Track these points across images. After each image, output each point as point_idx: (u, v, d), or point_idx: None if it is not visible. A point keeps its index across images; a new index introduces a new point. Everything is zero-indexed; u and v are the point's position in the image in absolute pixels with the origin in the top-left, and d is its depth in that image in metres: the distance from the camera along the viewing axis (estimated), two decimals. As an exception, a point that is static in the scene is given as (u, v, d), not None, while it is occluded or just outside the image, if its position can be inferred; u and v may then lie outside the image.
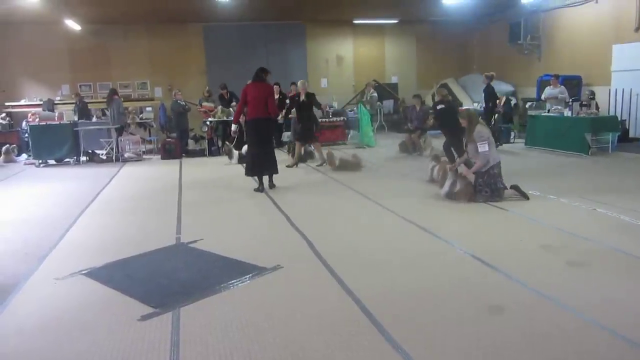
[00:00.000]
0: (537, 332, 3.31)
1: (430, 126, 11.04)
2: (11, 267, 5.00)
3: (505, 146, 12.70)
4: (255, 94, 8.00)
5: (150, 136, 15.12)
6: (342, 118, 15.03)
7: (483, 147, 6.70)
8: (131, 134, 14.04)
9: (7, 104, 14.90)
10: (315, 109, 11.18)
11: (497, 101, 12.68)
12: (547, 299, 3.78)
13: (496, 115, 12.91)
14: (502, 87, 14.95)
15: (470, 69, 18.62)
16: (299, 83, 11.00)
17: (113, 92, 13.11)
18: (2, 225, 6.66)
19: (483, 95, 12.42)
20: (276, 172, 8.39)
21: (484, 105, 12.49)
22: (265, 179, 8.35)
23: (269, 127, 8.32)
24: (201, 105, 14.32)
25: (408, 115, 12.90)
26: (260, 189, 8.21)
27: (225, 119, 13.21)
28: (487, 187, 6.85)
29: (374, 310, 3.67)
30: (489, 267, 4.49)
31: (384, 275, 4.42)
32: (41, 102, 14.51)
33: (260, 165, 8.20)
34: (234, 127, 8.97)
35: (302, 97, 10.60)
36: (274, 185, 8.40)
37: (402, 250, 5.07)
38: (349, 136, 14.66)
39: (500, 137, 12.85)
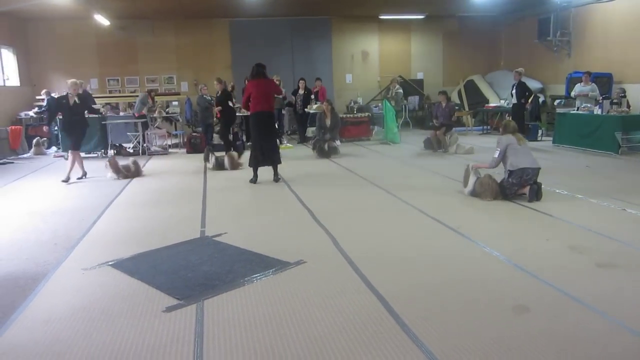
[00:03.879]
0: (563, 333, 3.25)
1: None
2: (41, 256, 5.12)
3: (532, 144, 12.46)
4: (260, 89, 8.36)
5: (176, 130, 15.29)
6: (366, 114, 14.98)
7: (494, 153, 7.02)
8: (157, 127, 14.20)
9: (37, 97, 15.19)
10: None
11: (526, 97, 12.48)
12: (574, 300, 3.71)
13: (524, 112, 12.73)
14: (530, 84, 14.67)
15: (498, 66, 18.37)
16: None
17: (149, 91, 13.84)
18: (32, 216, 6.81)
19: (514, 91, 12.23)
20: (280, 162, 8.73)
21: (515, 101, 12.29)
22: (263, 172, 8.63)
23: (272, 121, 8.82)
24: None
25: (433, 111, 12.80)
26: (254, 180, 8.56)
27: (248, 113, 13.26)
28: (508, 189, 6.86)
29: (398, 308, 3.66)
30: (514, 267, 4.43)
31: (408, 273, 4.39)
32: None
33: (265, 157, 8.52)
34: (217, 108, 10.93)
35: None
36: (279, 178, 8.65)
37: (427, 248, 5.04)
38: (374, 132, 14.60)
39: (527, 134, 12.68)
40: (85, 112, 9.76)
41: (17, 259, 5.07)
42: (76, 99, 9.18)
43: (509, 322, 3.43)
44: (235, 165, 10.27)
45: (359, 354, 3.07)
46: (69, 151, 9.49)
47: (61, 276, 4.56)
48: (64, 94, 9.37)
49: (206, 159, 10.46)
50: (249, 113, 8.90)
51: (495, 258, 4.68)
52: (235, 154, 10.68)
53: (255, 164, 8.58)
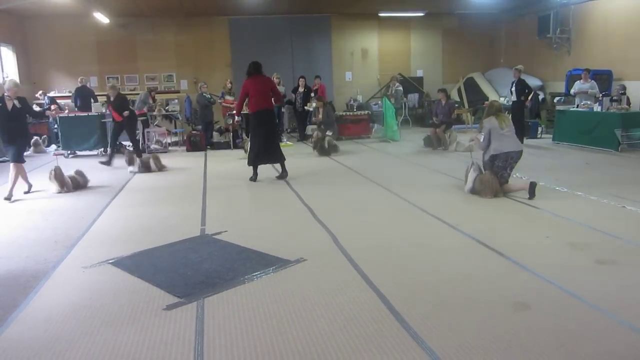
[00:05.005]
0: (564, 331, 3.25)
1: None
2: (41, 254, 5.12)
3: (532, 141, 12.52)
4: (258, 87, 8.34)
5: (175, 128, 15.28)
6: (366, 112, 14.97)
7: (480, 136, 7.14)
8: (157, 125, 14.20)
9: (37, 95, 15.17)
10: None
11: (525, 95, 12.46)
12: (575, 298, 3.72)
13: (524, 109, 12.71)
14: (529, 82, 14.63)
15: (498, 63, 18.35)
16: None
17: (149, 91, 13.87)
18: (32, 214, 6.81)
19: (514, 89, 12.23)
20: (284, 159, 8.69)
21: (514, 98, 12.29)
22: (263, 170, 8.74)
23: (273, 118, 8.79)
24: (224, 98, 14.37)
25: (433, 109, 12.79)
26: (254, 178, 8.57)
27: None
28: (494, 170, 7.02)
29: (398, 305, 3.66)
30: (514, 264, 4.43)
31: (408, 271, 4.39)
32: (70, 94, 14.75)
33: (268, 154, 8.52)
34: (237, 118, 9.84)
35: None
36: (287, 173, 8.67)
37: (427, 246, 5.04)
38: (373, 130, 14.58)
39: (526, 132, 12.69)
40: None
41: (18, 257, 5.07)
42: (15, 102, 7.77)
43: (510, 319, 3.44)
44: (161, 167, 10.27)
45: (359, 352, 3.07)
46: (11, 164, 7.95)
47: (62, 274, 4.56)
48: (2, 96, 7.81)
49: (130, 163, 10.16)
50: (248, 111, 8.93)
51: (495, 255, 4.68)
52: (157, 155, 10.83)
53: (255, 161, 8.58)
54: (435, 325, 3.37)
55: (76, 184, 8.39)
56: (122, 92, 14.88)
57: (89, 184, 8.71)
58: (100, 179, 9.28)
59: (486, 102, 15.48)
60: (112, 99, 11.14)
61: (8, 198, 7.69)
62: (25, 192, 8.12)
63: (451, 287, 4.01)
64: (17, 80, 8.26)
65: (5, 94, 7.76)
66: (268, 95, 8.44)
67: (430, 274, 4.29)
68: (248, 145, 11.36)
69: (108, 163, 10.79)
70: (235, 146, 13.19)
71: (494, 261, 4.56)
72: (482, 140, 7.09)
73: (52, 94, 15.48)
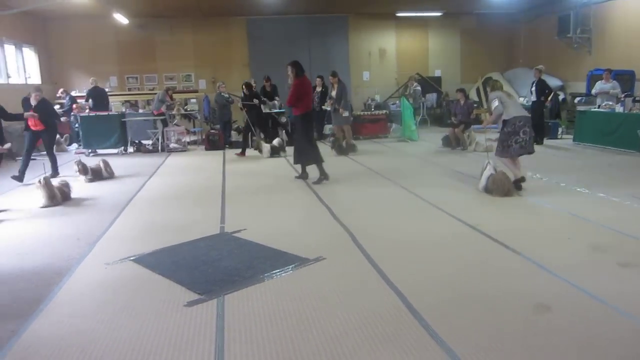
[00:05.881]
0: (586, 334, 3.22)
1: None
2: (64, 251, 5.20)
3: (552, 142, 12.40)
4: (308, 88, 8.43)
5: (194, 127, 15.42)
6: (384, 111, 14.95)
7: (494, 103, 7.26)
8: (176, 125, 14.34)
9: (58, 95, 15.40)
10: None
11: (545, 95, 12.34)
12: (596, 300, 3.68)
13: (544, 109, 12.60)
14: (550, 82, 14.52)
15: (517, 63, 18.20)
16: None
17: (166, 90, 14.02)
18: (55, 212, 6.92)
19: (534, 89, 12.11)
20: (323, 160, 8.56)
21: (534, 98, 12.17)
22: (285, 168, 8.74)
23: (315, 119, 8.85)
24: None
25: (452, 109, 12.73)
26: (304, 176, 8.49)
27: (268, 111, 13.35)
28: (500, 144, 7.30)
29: (417, 305, 3.65)
30: (535, 265, 4.40)
31: (427, 270, 4.38)
32: (84, 94, 14.96)
33: (315, 154, 8.37)
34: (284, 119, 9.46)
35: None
36: (307, 175, 8.58)
37: (446, 246, 5.02)
38: (391, 130, 14.57)
39: (546, 132, 12.57)
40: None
41: (42, 253, 5.17)
42: None
43: (530, 320, 3.41)
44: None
45: (379, 351, 3.08)
46: None
47: (84, 271, 4.63)
48: None
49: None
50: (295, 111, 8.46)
51: (515, 256, 4.65)
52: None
53: (304, 161, 8.51)
54: (454, 325, 3.36)
55: (63, 194, 7.46)
56: (142, 92, 15.22)
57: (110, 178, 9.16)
58: (123, 175, 9.40)
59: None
60: (34, 103, 9.17)
61: None
62: None
63: (471, 287, 3.99)
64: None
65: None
66: (312, 97, 8.51)
67: (450, 274, 4.27)
68: (262, 146, 11.43)
69: (19, 178, 8.88)
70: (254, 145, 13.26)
71: (513, 262, 4.54)
72: (495, 106, 7.21)
73: (73, 93, 15.69)
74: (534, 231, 5.45)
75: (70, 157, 12.60)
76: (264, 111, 12.95)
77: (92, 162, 9.48)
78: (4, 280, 4.45)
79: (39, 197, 7.19)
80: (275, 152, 11.57)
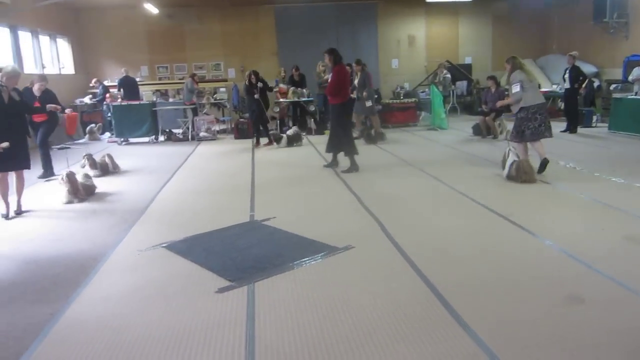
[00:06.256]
0: (622, 327, 3.15)
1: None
2: (99, 237, 5.34)
3: (586, 130, 12.11)
4: (346, 76, 8.30)
5: (223, 116, 15.54)
6: (413, 99, 14.80)
7: (515, 88, 7.40)
8: (206, 114, 14.47)
9: (91, 85, 15.68)
10: None
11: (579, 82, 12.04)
12: (633, 293, 3.59)
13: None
14: (584, 68, 14.16)
15: (550, 49, 17.76)
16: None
17: (191, 75, 14.00)
18: (89, 199, 7.08)
19: (567, 75, 11.83)
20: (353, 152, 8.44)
21: (568, 86, 11.89)
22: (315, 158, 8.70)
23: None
24: (279, 86, 14.47)
25: (482, 97, 12.53)
26: (333, 164, 8.48)
27: (296, 99, 13.39)
28: (514, 129, 7.52)
29: (447, 294, 3.64)
30: (568, 256, 4.33)
31: (457, 259, 4.35)
32: (116, 84, 15.19)
33: (350, 145, 8.28)
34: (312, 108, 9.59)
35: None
36: (337, 164, 8.52)
37: (476, 235, 4.97)
38: (420, 118, 14.43)
39: (580, 120, 12.28)
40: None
41: (78, 239, 5.31)
42: (14, 94, 6.23)
43: (563, 312, 3.36)
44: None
45: (408, 340, 3.08)
46: (14, 173, 6.40)
47: (118, 256, 4.74)
48: None
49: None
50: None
51: (548, 247, 4.58)
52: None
53: (338, 150, 8.43)
54: (485, 315, 3.33)
55: (88, 191, 7.24)
56: (171, 81, 15.38)
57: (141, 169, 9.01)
58: (154, 164, 9.56)
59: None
60: (38, 94, 8.39)
61: (5, 216, 6.25)
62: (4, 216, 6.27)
63: (501, 277, 3.95)
64: (14, 67, 6.34)
65: (2, 82, 6.09)
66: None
67: (480, 263, 4.23)
68: (282, 140, 11.31)
69: (47, 175, 8.56)
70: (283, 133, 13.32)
71: (546, 252, 4.47)
72: (517, 90, 7.33)
73: (105, 83, 15.92)
74: (567, 221, 5.35)
75: (104, 146, 12.87)
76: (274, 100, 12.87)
77: (97, 157, 9.04)
78: (42, 265, 4.60)
79: (62, 193, 6.90)
80: (291, 142, 11.41)
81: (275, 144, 11.52)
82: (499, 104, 8.57)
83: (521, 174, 6.93)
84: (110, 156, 9.19)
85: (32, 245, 5.17)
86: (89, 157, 8.75)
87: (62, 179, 6.92)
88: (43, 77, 8.83)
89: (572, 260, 4.24)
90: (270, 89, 12.65)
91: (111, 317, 3.52)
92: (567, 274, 3.97)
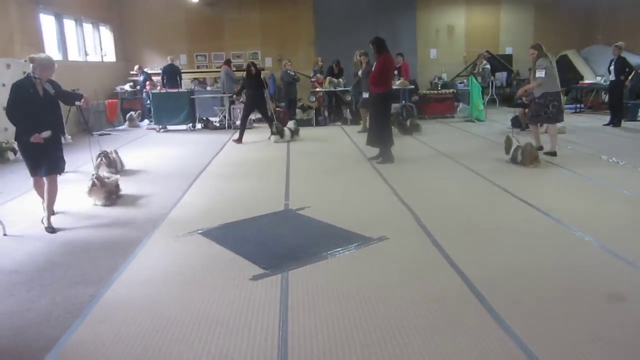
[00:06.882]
0: (663, 325, 3.07)
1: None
2: (137, 222, 5.47)
3: (631, 124, 11.72)
4: (390, 66, 8.18)
5: (260, 105, 15.60)
6: (451, 90, 14.58)
7: (540, 73, 8.04)
8: (242, 102, 14.55)
9: (131, 72, 15.99)
10: None
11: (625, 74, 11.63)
12: (676, 291, 3.49)
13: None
14: (631, 60, 13.63)
15: (595, 40, 17.19)
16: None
17: (226, 62, 13.93)
18: (127, 184, 7.23)
19: (613, 67, 11.44)
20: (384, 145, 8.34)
21: (613, 78, 11.50)
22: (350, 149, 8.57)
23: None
24: (316, 76, 14.45)
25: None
26: (386, 159, 8.17)
27: (332, 89, 13.37)
28: (533, 112, 8.36)
29: (482, 288, 3.59)
30: (608, 252, 4.21)
31: (493, 253, 4.29)
32: (160, 71, 15.44)
33: (389, 137, 8.20)
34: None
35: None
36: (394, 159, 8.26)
37: (512, 229, 4.88)
38: (458, 109, 14.21)
39: (625, 113, 11.89)
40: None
41: (117, 224, 5.45)
42: (48, 87, 5.32)
43: (602, 310, 3.28)
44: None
45: (441, 331, 3.06)
46: (44, 178, 5.46)
47: (156, 241, 4.85)
48: (27, 76, 5.23)
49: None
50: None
51: (587, 242, 4.47)
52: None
53: (383, 144, 8.24)
54: (520, 311, 3.28)
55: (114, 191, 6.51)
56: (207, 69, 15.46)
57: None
58: (191, 151, 9.71)
59: (582, 82, 14.71)
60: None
61: (51, 230, 5.29)
62: (48, 230, 5.30)
63: (538, 272, 3.88)
64: (47, 57, 5.40)
65: (34, 74, 5.18)
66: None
67: (516, 258, 4.16)
68: (285, 132, 10.83)
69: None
70: (318, 124, 13.34)
71: (585, 248, 4.36)
72: (542, 75, 7.98)
73: (147, 70, 16.15)
74: (610, 218, 5.19)
75: (143, 132, 13.13)
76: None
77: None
78: (85, 248, 4.74)
79: (94, 196, 6.23)
80: (290, 135, 10.92)
81: (273, 137, 10.80)
82: (521, 91, 9.09)
83: (529, 158, 7.43)
84: (117, 152, 8.17)
85: (72, 230, 5.33)
86: (105, 156, 7.72)
87: (94, 183, 6.16)
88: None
89: (613, 257, 4.12)
90: (266, 85, 12.15)
91: (148, 300, 3.61)
92: (608, 272, 3.87)
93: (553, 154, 8.16)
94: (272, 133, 10.84)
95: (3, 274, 4.19)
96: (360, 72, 11.35)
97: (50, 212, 5.49)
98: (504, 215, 5.37)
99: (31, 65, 5.20)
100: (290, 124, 11.39)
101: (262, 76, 11.32)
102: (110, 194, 6.35)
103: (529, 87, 8.47)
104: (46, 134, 5.18)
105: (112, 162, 7.79)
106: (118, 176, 6.88)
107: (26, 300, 3.67)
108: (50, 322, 3.35)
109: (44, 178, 5.45)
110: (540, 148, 8.26)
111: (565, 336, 2.97)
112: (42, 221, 5.40)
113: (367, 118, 11.25)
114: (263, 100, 11.33)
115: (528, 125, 11.18)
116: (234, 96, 12.47)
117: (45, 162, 5.36)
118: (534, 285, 3.66)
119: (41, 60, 5.21)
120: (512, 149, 7.68)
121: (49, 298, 3.69)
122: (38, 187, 5.57)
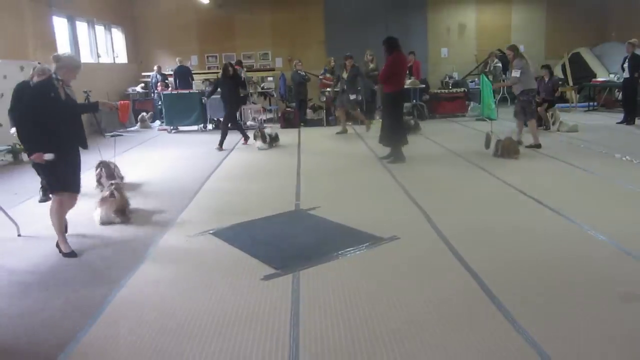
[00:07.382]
0: (679, 325, 3.03)
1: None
2: (149, 223, 5.50)
3: (645, 122, 11.58)
4: (402, 65, 8.18)
5: (270, 105, 15.66)
6: (462, 89, 14.50)
7: (515, 73, 8.68)
8: (253, 103, 14.61)
9: (143, 74, 16.09)
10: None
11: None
12: (691, 290, 3.45)
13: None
14: (645, 57, 13.57)
15: (608, 37, 17.01)
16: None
17: (237, 63, 13.90)
18: (139, 185, 7.30)
19: (626, 64, 11.31)
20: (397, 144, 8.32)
21: (626, 75, 11.37)
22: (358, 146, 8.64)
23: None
24: (325, 75, 14.44)
25: (535, 86, 12.12)
26: (399, 159, 8.14)
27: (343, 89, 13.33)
28: (522, 110, 8.90)
29: (494, 288, 3.57)
30: (620, 249, 4.17)
31: (504, 252, 4.26)
32: (172, 72, 15.51)
33: (401, 136, 8.21)
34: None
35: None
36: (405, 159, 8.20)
37: (524, 228, 4.85)
38: (469, 108, 14.13)
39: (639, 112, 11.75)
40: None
41: (128, 225, 5.48)
42: (69, 91, 4.97)
43: (616, 310, 3.25)
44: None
45: (453, 332, 3.05)
46: (53, 196, 4.78)
47: (168, 242, 4.87)
48: (44, 81, 4.56)
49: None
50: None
51: (598, 240, 4.43)
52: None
53: (394, 143, 8.19)
54: (532, 310, 3.26)
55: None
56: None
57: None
58: (200, 153, 9.75)
59: (594, 80, 14.55)
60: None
61: (69, 254, 4.60)
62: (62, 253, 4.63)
63: (550, 271, 3.85)
64: (72, 56, 5.02)
65: (57, 75, 4.54)
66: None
67: (528, 257, 4.13)
68: (267, 139, 10.11)
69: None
70: (328, 123, 13.32)
71: (597, 245, 4.32)
72: (518, 75, 8.58)
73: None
74: (625, 217, 5.13)
75: (154, 133, 13.20)
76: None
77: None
78: (95, 249, 4.77)
79: (105, 208, 5.52)
80: (271, 141, 10.32)
81: (259, 143, 10.12)
82: (496, 85, 10.66)
83: (509, 150, 8.04)
84: (115, 165, 7.18)
85: (85, 231, 5.36)
86: (105, 166, 6.94)
87: (114, 194, 5.53)
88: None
89: (625, 254, 4.09)
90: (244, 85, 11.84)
91: (160, 300, 3.63)
92: (622, 270, 3.84)
93: (538, 146, 8.78)
94: (255, 138, 10.27)
95: (18, 274, 4.24)
96: (345, 75, 11.39)
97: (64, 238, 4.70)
98: (516, 213, 5.33)
99: (54, 65, 4.52)
100: (268, 129, 10.84)
101: (242, 77, 10.92)
102: (124, 208, 5.64)
103: (505, 84, 9.43)
104: (49, 156, 4.35)
105: (112, 173, 6.89)
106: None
107: (40, 300, 3.71)
108: (64, 321, 3.38)
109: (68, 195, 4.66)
110: (520, 142, 8.76)
111: (579, 336, 2.95)
112: (57, 246, 4.67)
113: (344, 120, 11.65)
114: (237, 102, 10.86)
115: (541, 124, 11.15)
116: (203, 98, 12.04)
117: (78, 175, 4.69)
118: (546, 284, 3.63)
119: (68, 60, 4.59)
120: (493, 143, 8.28)
121: (63, 298, 3.72)
122: (63, 208, 4.70)
